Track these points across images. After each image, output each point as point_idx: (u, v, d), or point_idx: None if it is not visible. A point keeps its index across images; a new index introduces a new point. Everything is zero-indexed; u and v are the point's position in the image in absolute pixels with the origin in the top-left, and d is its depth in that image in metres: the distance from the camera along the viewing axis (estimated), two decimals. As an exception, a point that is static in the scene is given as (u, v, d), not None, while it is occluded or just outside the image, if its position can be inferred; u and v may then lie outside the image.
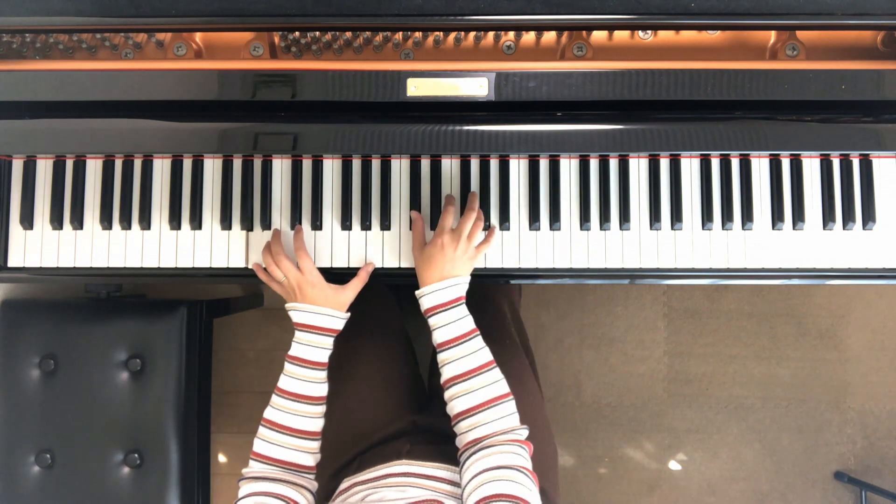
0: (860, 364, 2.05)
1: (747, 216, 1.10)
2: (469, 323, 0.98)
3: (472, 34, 1.04)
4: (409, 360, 1.30)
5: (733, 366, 2.05)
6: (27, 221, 1.11)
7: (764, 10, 0.92)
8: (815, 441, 2.04)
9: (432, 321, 0.98)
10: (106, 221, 1.11)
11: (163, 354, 1.42)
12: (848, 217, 1.10)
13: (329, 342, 1.01)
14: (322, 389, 1.00)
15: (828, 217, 1.10)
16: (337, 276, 1.12)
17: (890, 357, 2.05)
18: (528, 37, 1.05)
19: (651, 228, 1.11)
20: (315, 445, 0.98)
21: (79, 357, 1.41)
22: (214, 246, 1.11)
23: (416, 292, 1.01)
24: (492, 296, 1.35)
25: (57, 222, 1.11)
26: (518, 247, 1.11)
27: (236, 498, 0.90)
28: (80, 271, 1.12)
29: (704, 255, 1.11)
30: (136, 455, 1.39)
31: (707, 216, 1.10)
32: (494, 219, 1.11)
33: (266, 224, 1.11)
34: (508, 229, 1.11)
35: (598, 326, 2.05)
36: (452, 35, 1.04)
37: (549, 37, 1.05)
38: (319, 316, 1.00)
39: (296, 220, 1.11)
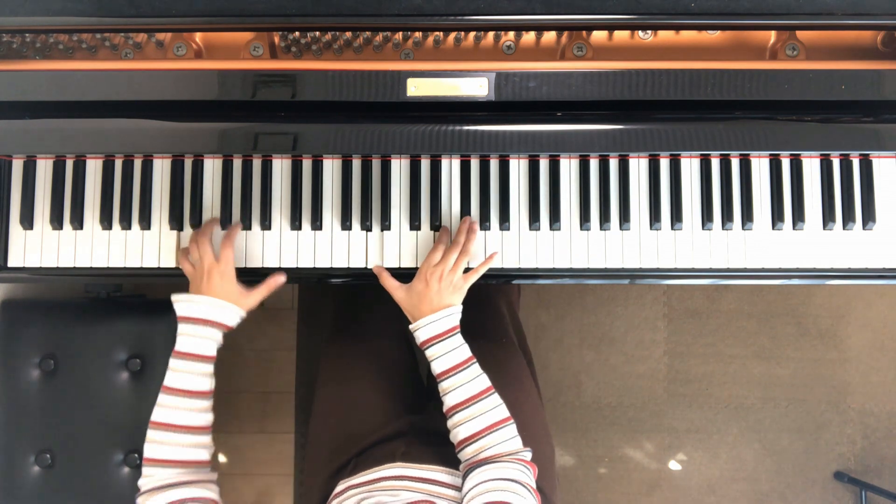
0: (860, 364, 2.05)
1: (747, 216, 1.10)
2: (465, 351, 0.99)
3: (472, 34, 1.04)
4: (408, 360, 1.30)
5: (733, 366, 2.05)
6: (27, 221, 1.11)
7: (764, 10, 0.92)
8: (815, 441, 2.04)
9: (429, 353, 0.99)
10: (106, 221, 1.11)
11: (163, 354, 1.42)
12: (848, 217, 1.10)
13: (220, 336, 0.98)
14: (209, 383, 0.96)
15: (828, 217, 1.10)
16: (336, 275, 1.12)
17: (890, 357, 2.05)
18: (528, 37, 1.05)
19: (651, 228, 1.11)
20: (207, 440, 0.95)
21: (79, 357, 1.41)
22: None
23: (410, 326, 1.02)
24: (490, 296, 1.35)
25: (57, 222, 1.11)
26: (518, 247, 1.11)
27: None
28: (80, 271, 1.12)
29: (704, 255, 1.11)
30: (136, 455, 1.39)
31: (707, 216, 1.10)
32: (495, 219, 1.11)
33: (266, 224, 1.11)
34: (508, 229, 1.11)
35: (598, 326, 2.05)
36: (452, 35, 1.04)
37: (549, 37, 1.05)
38: (216, 309, 0.97)
39: (296, 219, 1.11)
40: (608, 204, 1.11)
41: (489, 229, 1.11)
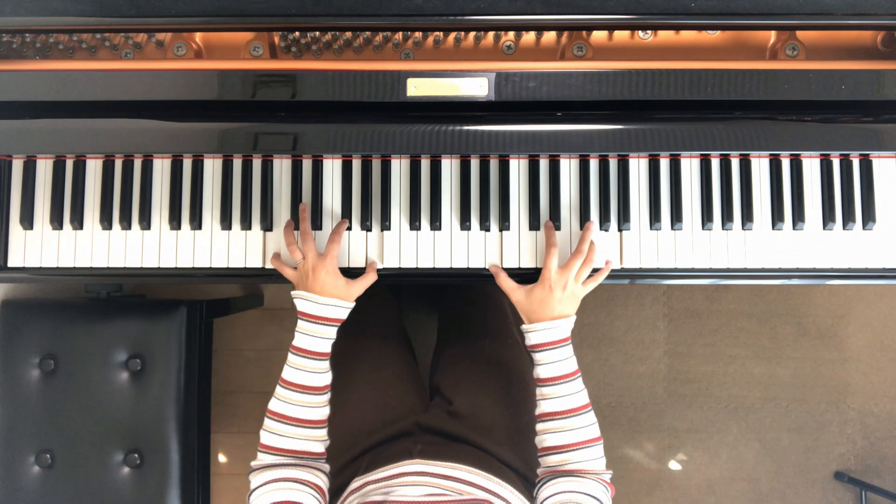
0: (860, 364, 2.05)
1: (747, 216, 1.10)
2: (573, 364, 0.99)
3: (472, 34, 1.04)
4: (409, 360, 1.30)
5: (733, 366, 2.05)
6: (27, 221, 1.11)
7: (764, 10, 0.92)
8: (815, 441, 2.04)
9: (538, 357, 1.00)
10: (106, 221, 1.11)
11: (163, 354, 1.42)
12: (848, 217, 1.10)
13: (332, 332, 1.01)
14: (326, 379, 0.99)
15: (828, 217, 1.10)
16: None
17: (890, 357, 2.05)
18: (528, 37, 1.05)
19: (651, 228, 1.11)
20: (323, 433, 0.98)
21: (79, 357, 1.41)
22: (214, 246, 1.12)
23: (524, 327, 1.02)
24: (493, 294, 1.35)
25: (57, 222, 1.11)
26: (518, 247, 1.11)
27: (248, 491, 0.91)
28: (80, 271, 1.12)
29: (704, 255, 1.11)
30: (136, 455, 1.39)
31: (707, 216, 1.10)
32: (494, 220, 1.11)
33: (266, 224, 1.11)
34: (508, 229, 1.11)
35: (598, 326, 2.05)
36: (452, 35, 1.04)
37: (549, 37, 1.05)
38: (325, 307, 1.00)
39: (296, 220, 1.11)
40: (608, 204, 1.11)
41: (489, 230, 1.11)
